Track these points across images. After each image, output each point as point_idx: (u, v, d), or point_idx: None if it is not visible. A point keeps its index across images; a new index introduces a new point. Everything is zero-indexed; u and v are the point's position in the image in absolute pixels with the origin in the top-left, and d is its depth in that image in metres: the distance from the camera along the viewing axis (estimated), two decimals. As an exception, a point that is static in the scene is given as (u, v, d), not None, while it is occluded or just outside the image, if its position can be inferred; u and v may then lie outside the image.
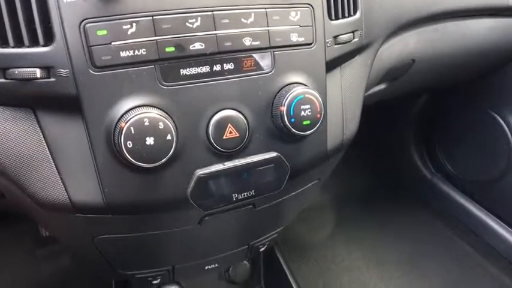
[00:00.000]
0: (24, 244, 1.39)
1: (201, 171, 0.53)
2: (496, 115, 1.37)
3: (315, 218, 1.66)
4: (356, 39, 0.67)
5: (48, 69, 0.49)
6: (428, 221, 1.63)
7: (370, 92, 1.07)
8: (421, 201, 1.69)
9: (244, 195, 0.56)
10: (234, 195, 0.55)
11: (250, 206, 0.66)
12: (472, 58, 1.18)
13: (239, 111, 0.55)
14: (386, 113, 1.73)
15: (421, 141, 1.66)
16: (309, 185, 0.74)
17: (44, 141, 0.53)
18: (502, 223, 1.43)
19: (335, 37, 0.63)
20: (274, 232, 0.88)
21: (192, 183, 0.53)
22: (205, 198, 0.54)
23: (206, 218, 0.64)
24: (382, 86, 1.08)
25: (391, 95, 1.22)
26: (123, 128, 0.48)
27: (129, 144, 0.48)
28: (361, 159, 1.87)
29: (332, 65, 0.65)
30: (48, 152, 0.53)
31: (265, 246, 0.91)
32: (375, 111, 1.75)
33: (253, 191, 0.56)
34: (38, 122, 0.53)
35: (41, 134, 0.53)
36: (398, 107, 1.64)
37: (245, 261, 1.02)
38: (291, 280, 0.99)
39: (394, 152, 1.78)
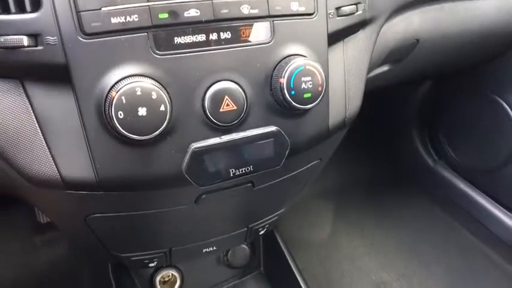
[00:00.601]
0: (22, 231, 1.38)
1: (196, 145, 0.51)
2: (500, 100, 1.34)
3: (315, 206, 1.64)
4: (359, 12, 0.64)
5: (35, 37, 0.46)
6: (430, 209, 1.61)
7: (373, 73, 1.05)
8: (423, 189, 1.67)
9: (242, 171, 0.53)
10: (231, 170, 0.53)
11: (249, 185, 0.64)
12: (478, 40, 1.15)
13: (237, 83, 0.53)
14: (389, 100, 1.70)
15: (423, 129, 1.64)
16: (309, 165, 0.72)
17: (32, 114, 0.50)
18: (505, 211, 1.41)
19: (337, 8, 0.60)
20: (274, 215, 0.85)
21: (187, 157, 0.50)
22: (201, 173, 0.51)
23: (203, 196, 0.61)
24: (385, 68, 1.05)
25: (394, 79, 1.19)
26: (113, 97, 0.45)
27: (120, 115, 0.46)
28: (362, 147, 1.85)
29: (334, 38, 0.62)
30: (37, 125, 0.51)
31: (265, 230, 0.88)
32: (376, 98, 1.73)
33: (251, 166, 0.54)
34: (26, 94, 0.51)
35: (29, 106, 0.51)
36: (401, 94, 1.61)
37: (244, 245, 1.00)
38: (291, 265, 0.97)
39: (395, 140, 1.76)
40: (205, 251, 0.83)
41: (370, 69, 0.84)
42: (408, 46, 0.98)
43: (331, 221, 1.58)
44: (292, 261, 0.98)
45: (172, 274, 0.96)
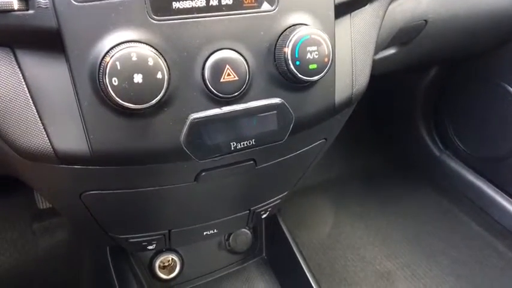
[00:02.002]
0: (22, 218, 1.36)
1: (195, 115, 0.48)
2: (509, 87, 1.30)
3: (318, 196, 1.62)
4: (367, -16, 0.60)
5: (26, 0, 0.43)
6: (436, 199, 1.58)
7: (380, 56, 1.02)
8: (429, 179, 1.64)
9: (243, 145, 0.51)
10: (232, 144, 0.50)
11: (251, 162, 0.61)
12: (487, 24, 1.11)
13: (238, 52, 0.50)
14: (393, 88, 1.67)
15: (429, 117, 1.60)
16: (314, 145, 0.69)
17: (23, 83, 0.48)
18: (512, 200, 1.38)
19: (345, -22, 0.57)
20: (277, 198, 0.82)
21: (186, 129, 0.47)
22: (200, 146, 0.48)
23: (203, 174, 0.58)
24: (392, 51, 1.02)
25: (401, 63, 1.15)
26: (107, 63, 0.43)
27: (115, 82, 0.43)
28: (366, 136, 1.82)
29: (341, 10, 0.59)
30: (28, 94, 0.48)
31: (267, 213, 0.85)
32: (381, 86, 1.69)
33: (253, 140, 0.51)
34: (18, 62, 0.48)
35: (20, 75, 0.48)
36: (406, 82, 1.57)
37: (246, 230, 0.97)
38: (295, 251, 0.94)
39: (400, 129, 1.72)
40: (206, 234, 0.80)
41: (377, 49, 0.81)
42: (416, 27, 0.95)
43: (334, 211, 1.56)
44: (296, 247, 0.95)
45: (172, 259, 0.94)
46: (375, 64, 0.78)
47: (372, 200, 1.59)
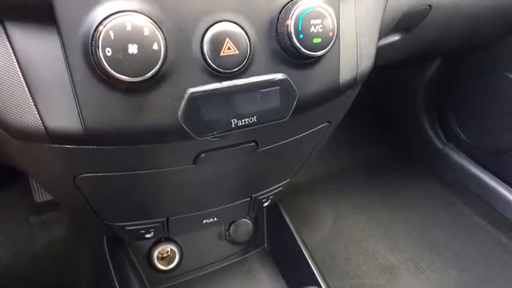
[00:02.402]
0: (19, 212, 1.34)
1: (194, 89, 0.45)
2: (513, 77, 1.28)
3: (320, 189, 1.60)
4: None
5: (15, -30, 0.41)
6: (439, 192, 1.56)
7: (384, 42, 0.99)
8: (431, 172, 1.62)
9: (244, 122, 0.48)
10: (232, 121, 0.47)
11: (252, 144, 0.58)
12: (491, 13, 1.09)
13: (239, 25, 0.47)
14: (396, 80, 1.64)
15: (432, 110, 1.58)
16: (317, 128, 0.66)
17: (13, 57, 0.45)
18: (517, 193, 1.36)
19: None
20: (279, 185, 0.80)
21: (184, 103, 0.45)
22: (199, 121, 0.46)
23: (202, 155, 0.56)
24: (396, 37, 1.00)
25: (405, 51, 1.13)
26: (100, 32, 0.40)
27: (108, 52, 0.41)
28: (369, 129, 1.79)
29: None
30: (18, 69, 0.45)
31: (269, 201, 0.83)
32: (384, 77, 1.67)
33: (255, 117, 0.48)
34: (7, 36, 0.46)
35: (10, 49, 0.45)
36: (409, 74, 1.55)
37: (247, 220, 0.95)
38: (298, 241, 0.91)
39: (403, 121, 1.70)
40: (206, 223, 0.78)
41: (381, 33, 0.78)
42: (420, 12, 0.93)
43: (336, 204, 1.54)
44: (299, 237, 0.92)
45: (170, 249, 0.91)
46: (379, 52, 0.76)
47: (374, 193, 1.57)
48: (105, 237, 0.85)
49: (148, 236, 0.75)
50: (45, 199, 1.25)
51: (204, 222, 0.78)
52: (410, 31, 1.02)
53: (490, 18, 1.14)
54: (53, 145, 0.50)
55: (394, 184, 1.60)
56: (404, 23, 0.94)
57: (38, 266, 1.26)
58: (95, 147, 0.50)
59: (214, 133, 0.47)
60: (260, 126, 0.49)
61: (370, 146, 1.76)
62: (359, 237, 1.41)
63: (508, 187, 1.40)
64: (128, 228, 0.72)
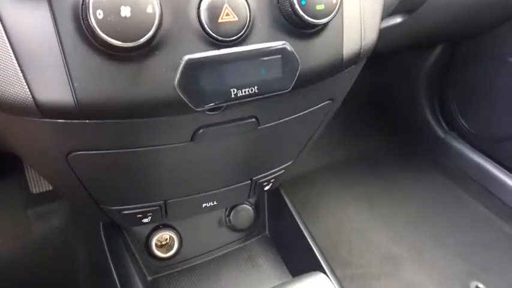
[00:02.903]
0: (14, 204, 1.31)
1: (190, 56, 0.42)
2: (516, 63, 1.26)
3: (321, 180, 1.57)
4: None
5: None
6: (441, 182, 1.54)
7: (387, 24, 0.97)
8: (433, 161, 1.60)
9: (245, 92, 0.45)
10: (232, 90, 0.45)
11: (253, 120, 0.56)
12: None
13: None
14: (398, 69, 1.61)
15: (433, 98, 1.56)
16: (320, 106, 0.64)
17: (1, 26, 0.42)
18: (520, 182, 1.34)
19: None
20: (280, 168, 0.77)
21: (180, 70, 0.42)
22: (197, 90, 0.43)
23: (200, 131, 0.53)
24: (398, 19, 0.97)
25: (406, 36, 1.11)
26: None
27: (99, 15, 0.38)
28: (370, 119, 1.77)
29: None
30: (5, 38, 0.43)
31: (270, 185, 0.80)
32: (384, 65, 1.65)
33: (255, 87, 0.46)
34: (-6, 3, 0.43)
35: None
36: (410, 62, 1.52)
37: (248, 206, 0.92)
38: (301, 227, 0.88)
39: (404, 110, 1.68)
40: (205, 206, 0.75)
41: (385, 11, 0.75)
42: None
43: (337, 194, 1.52)
44: (302, 223, 0.89)
45: (169, 237, 0.88)
46: (382, 35, 0.74)
47: (376, 183, 1.55)
48: (101, 224, 0.82)
49: (145, 220, 0.73)
50: (41, 190, 1.23)
51: (203, 206, 0.75)
52: (412, 14, 0.99)
53: (491, 2, 1.11)
54: (43, 119, 0.47)
55: (395, 174, 1.58)
56: (406, 4, 0.92)
57: (35, 258, 1.24)
58: (87, 121, 0.48)
59: (213, 104, 0.45)
60: (261, 97, 0.47)
61: (371, 136, 1.74)
62: (361, 228, 1.39)
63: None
64: (124, 212, 0.69)
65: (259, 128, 0.58)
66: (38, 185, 1.23)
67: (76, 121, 0.47)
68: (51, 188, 1.23)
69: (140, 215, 0.71)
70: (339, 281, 0.78)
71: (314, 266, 0.78)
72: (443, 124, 1.57)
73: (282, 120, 0.60)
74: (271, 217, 0.97)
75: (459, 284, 1.25)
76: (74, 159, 0.53)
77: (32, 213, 1.30)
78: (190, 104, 0.43)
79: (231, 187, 0.74)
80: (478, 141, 1.46)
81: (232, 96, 0.45)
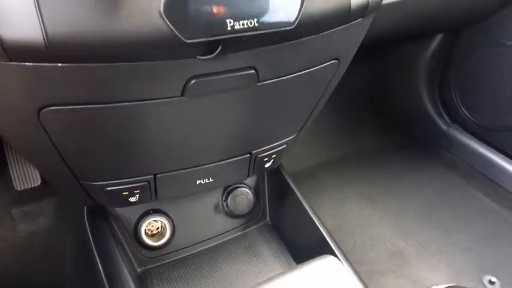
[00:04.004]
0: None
1: (179, -25, 0.36)
2: (520, 48, 1.21)
3: (321, 176, 1.50)
4: None
5: None
6: (445, 175, 1.48)
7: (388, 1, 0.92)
8: (436, 155, 1.54)
9: (243, 25, 0.39)
10: (228, 21, 0.38)
11: (252, 71, 0.49)
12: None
13: None
14: (396, 62, 1.56)
15: (434, 90, 1.51)
16: (325, 65, 0.57)
17: None
18: (528, 173, 1.28)
19: None
20: (281, 142, 0.70)
21: (166, -9, 0.35)
22: (186, 17, 0.37)
23: (192, 81, 0.46)
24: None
25: (407, 20, 1.05)
26: None
27: None
28: (369, 113, 1.71)
29: None
30: None
31: (271, 162, 0.73)
32: (382, 57, 1.60)
33: (255, 20, 0.39)
34: None
35: None
36: (409, 53, 1.47)
37: (247, 189, 0.84)
38: (306, 207, 0.79)
39: (404, 104, 1.62)
40: (200, 184, 0.68)
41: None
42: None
43: (338, 190, 1.45)
44: (307, 205, 0.81)
45: (161, 225, 0.80)
46: (385, 13, 0.68)
47: (377, 179, 1.48)
48: (85, 211, 0.73)
49: (133, 199, 0.65)
50: (26, 186, 1.15)
51: (197, 183, 0.67)
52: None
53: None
54: (9, 63, 0.40)
55: (397, 169, 1.52)
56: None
57: (21, 260, 1.15)
58: (60, 65, 0.41)
59: (205, 38, 0.38)
60: (262, 33, 0.40)
61: (371, 132, 1.68)
62: (365, 224, 1.32)
63: (519, 166, 1.31)
64: (108, 189, 0.61)
65: (258, 84, 0.51)
66: (23, 181, 1.15)
67: (47, 64, 0.41)
68: (36, 184, 1.15)
69: (126, 192, 0.63)
70: (352, 266, 0.70)
71: (321, 250, 0.70)
72: (445, 116, 1.52)
73: (283, 78, 0.53)
74: (272, 203, 0.89)
75: (471, 278, 1.18)
76: (46, 116, 0.46)
77: (17, 213, 1.22)
78: (179, 34, 0.37)
79: (228, 161, 0.66)
80: (483, 131, 1.40)
81: (229, 28, 0.38)
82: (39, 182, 1.16)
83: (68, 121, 0.47)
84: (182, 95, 0.48)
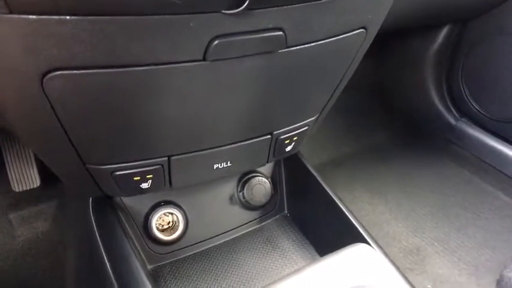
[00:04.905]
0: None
1: None
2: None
3: (331, 174, 1.45)
4: None
5: None
6: (457, 170, 1.43)
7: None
8: (446, 150, 1.50)
9: None
10: None
11: (279, 33, 0.44)
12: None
13: None
14: (402, 56, 1.53)
15: (441, 84, 1.47)
16: (352, 33, 0.52)
17: None
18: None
19: None
20: (303, 124, 0.65)
21: None
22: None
23: (216, 41, 0.41)
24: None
25: (418, 8, 1.01)
26: None
27: None
28: (376, 110, 1.67)
29: None
30: None
31: (292, 146, 0.67)
32: (389, 55, 1.56)
33: None
34: None
35: None
36: (415, 47, 1.44)
37: (264, 179, 0.78)
38: (329, 193, 0.73)
39: (412, 99, 1.58)
40: (217, 168, 0.62)
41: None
42: None
43: (349, 188, 1.39)
44: (332, 191, 0.75)
45: (172, 218, 0.72)
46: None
47: (388, 176, 1.44)
48: (90, 203, 0.67)
49: (145, 186, 0.58)
50: (25, 188, 1.08)
51: (215, 167, 0.61)
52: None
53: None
54: (10, 15, 0.35)
55: (407, 166, 1.48)
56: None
57: (20, 268, 1.09)
58: (68, 17, 0.35)
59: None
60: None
61: (379, 128, 1.64)
62: (379, 221, 1.27)
63: (534, 159, 1.27)
64: (117, 173, 0.55)
65: (285, 50, 0.46)
66: (21, 182, 1.08)
67: (53, 17, 0.35)
68: (35, 186, 1.08)
69: (138, 177, 0.56)
70: (386, 254, 0.64)
71: (352, 242, 0.64)
72: (454, 111, 1.47)
73: (311, 45, 0.48)
74: (290, 193, 0.83)
75: (490, 274, 1.13)
76: (51, 84, 0.40)
77: (14, 217, 1.15)
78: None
79: (248, 142, 0.61)
80: (493, 124, 1.36)
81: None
82: (39, 183, 1.10)
83: (75, 90, 0.42)
84: (204, 58, 0.43)
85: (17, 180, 1.10)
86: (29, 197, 1.18)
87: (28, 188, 1.12)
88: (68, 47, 0.38)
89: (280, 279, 0.49)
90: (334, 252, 0.54)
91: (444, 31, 1.37)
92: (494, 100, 1.34)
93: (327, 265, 0.51)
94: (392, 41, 1.51)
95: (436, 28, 1.39)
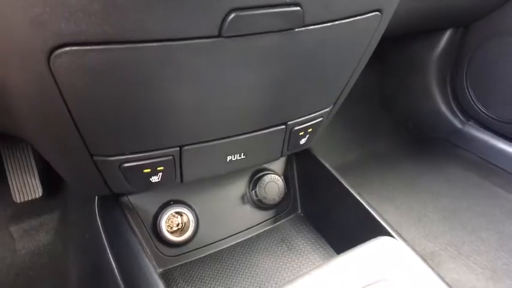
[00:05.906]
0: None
1: None
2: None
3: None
4: None
5: None
6: (465, 174, 1.41)
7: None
8: (453, 154, 1.47)
9: None
10: None
11: (297, 8, 0.41)
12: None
13: None
14: (405, 60, 1.52)
15: (446, 88, 1.46)
16: (367, 16, 0.50)
17: None
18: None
19: None
20: (318, 114, 0.62)
21: None
22: None
23: (232, 15, 0.39)
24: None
25: (420, 13, 1.01)
26: None
27: None
28: (381, 116, 1.65)
29: None
30: None
31: (306, 138, 0.64)
32: (393, 60, 1.56)
33: None
34: None
35: None
36: (418, 52, 1.44)
37: (277, 176, 0.74)
38: (346, 186, 0.70)
39: (417, 104, 1.56)
40: (230, 161, 0.58)
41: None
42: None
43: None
44: (348, 184, 0.71)
45: (181, 220, 0.68)
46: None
47: (396, 182, 1.42)
48: (96, 202, 0.63)
49: (155, 179, 0.55)
50: (26, 198, 1.05)
51: (228, 159, 0.58)
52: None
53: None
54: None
55: (415, 171, 1.46)
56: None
57: (21, 282, 1.04)
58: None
59: None
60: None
61: (384, 135, 1.62)
62: (390, 227, 1.22)
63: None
64: (126, 165, 0.52)
65: (301, 29, 0.44)
66: (23, 192, 1.05)
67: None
68: (37, 196, 1.04)
69: (148, 170, 0.53)
70: (411, 246, 0.60)
71: (374, 236, 0.60)
72: (459, 114, 1.46)
73: (326, 25, 0.46)
74: (303, 192, 0.79)
75: (509, 278, 1.08)
76: (58, 62, 0.38)
77: (16, 230, 1.11)
78: None
79: (262, 132, 0.58)
80: (501, 126, 1.34)
81: None
82: (41, 193, 1.06)
83: (83, 69, 0.39)
84: (219, 33, 0.41)
85: (18, 190, 1.06)
86: (31, 209, 1.15)
87: (30, 199, 1.08)
88: (77, 19, 0.36)
89: (304, 273, 0.45)
90: (356, 247, 0.51)
91: (447, 35, 1.38)
92: (501, 102, 1.33)
93: (351, 259, 0.48)
94: (394, 47, 1.51)
95: (439, 32, 1.39)
